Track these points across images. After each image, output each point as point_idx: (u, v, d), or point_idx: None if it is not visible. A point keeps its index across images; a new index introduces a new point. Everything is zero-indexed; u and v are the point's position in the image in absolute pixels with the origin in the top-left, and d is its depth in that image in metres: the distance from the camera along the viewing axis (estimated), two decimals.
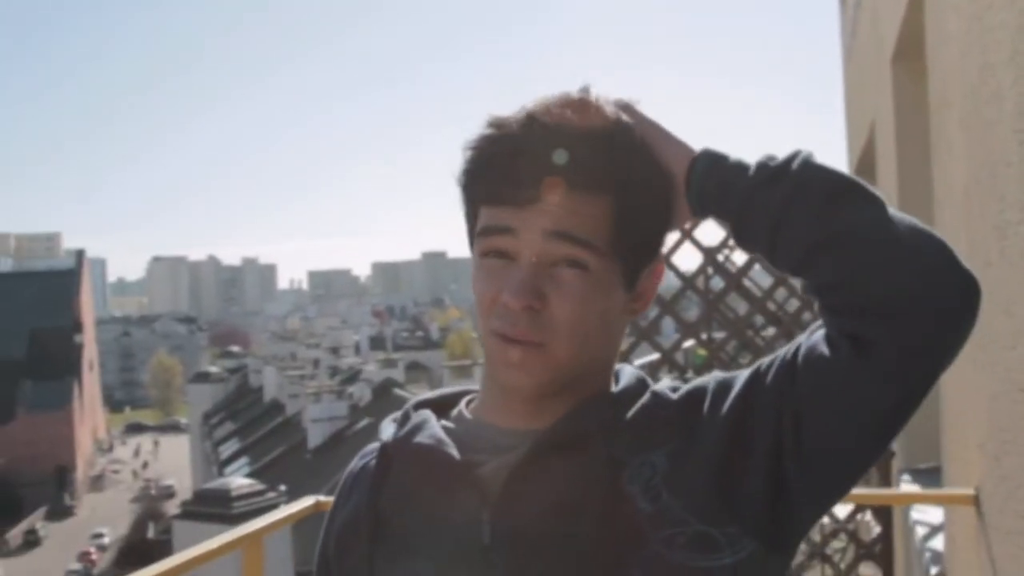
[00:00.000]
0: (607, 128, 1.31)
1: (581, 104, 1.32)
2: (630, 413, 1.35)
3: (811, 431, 1.23)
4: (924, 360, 1.21)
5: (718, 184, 1.30)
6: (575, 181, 1.27)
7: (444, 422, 1.43)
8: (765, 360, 1.32)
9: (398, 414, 1.48)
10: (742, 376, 1.33)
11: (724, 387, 1.33)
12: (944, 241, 1.20)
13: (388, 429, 1.47)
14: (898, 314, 1.18)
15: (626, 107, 1.37)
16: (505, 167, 1.30)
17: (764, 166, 1.28)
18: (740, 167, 1.30)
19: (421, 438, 1.39)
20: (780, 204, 1.24)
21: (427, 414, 1.45)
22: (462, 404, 1.48)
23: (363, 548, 1.42)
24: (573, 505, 1.27)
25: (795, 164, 1.26)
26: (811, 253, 1.23)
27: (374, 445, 1.49)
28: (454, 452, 1.35)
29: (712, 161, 1.32)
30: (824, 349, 1.23)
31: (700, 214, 1.34)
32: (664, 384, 1.40)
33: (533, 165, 1.28)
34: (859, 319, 1.20)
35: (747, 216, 1.28)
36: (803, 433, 1.24)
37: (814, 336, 1.26)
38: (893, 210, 1.23)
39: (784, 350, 1.30)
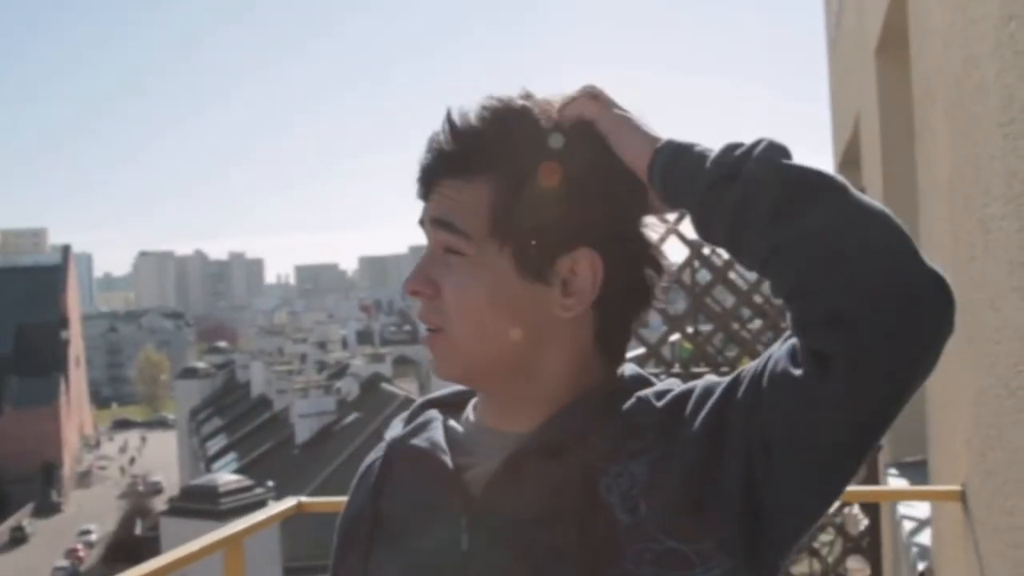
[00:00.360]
0: (496, 116, 1.32)
1: (488, 99, 1.34)
2: (612, 419, 1.30)
3: (777, 447, 1.18)
4: (888, 378, 1.13)
5: (676, 180, 1.26)
6: (452, 169, 1.32)
7: (452, 423, 1.42)
8: (747, 367, 1.26)
9: (407, 412, 1.49)
10: (721, 385, 1.27)
11: (705, 396, 1.28)
12: (913, 245, 1.13)
13: (396, 427, 1.47)
14: (856, 327, 1.11)
15: (591, 97, 1.35)
16: (419, 165, 1.37)
17: (720, 162, 1.22)
18: (698, 162, 1.24)
19: (418, 440, 1.39)
20: (734, 205, 1.19)
21: (433, 415, 1.45)
22: (470, 404, 1.46)
23: (361, 546, 1.42)
24: (549, 514, 1.25)
25: (751, 159, 1.19)
26: (768, 257, 1.18)
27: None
28: (446, 457, 1.34)
29: (673, 154, 1.27)
30: (788, 363, 1.18)
31: (669, 208, 1.32)
32: (655, 388, 1.35)
33: (426, 159, 1.35)
34: (817, 332, 1.14)
35: (704, 215, 1.24)
36: (771, 449, 1.18)
37: (783, 347, 1.21)
38: (861, 203, 1.15)
39: (760, 359, 1.25)
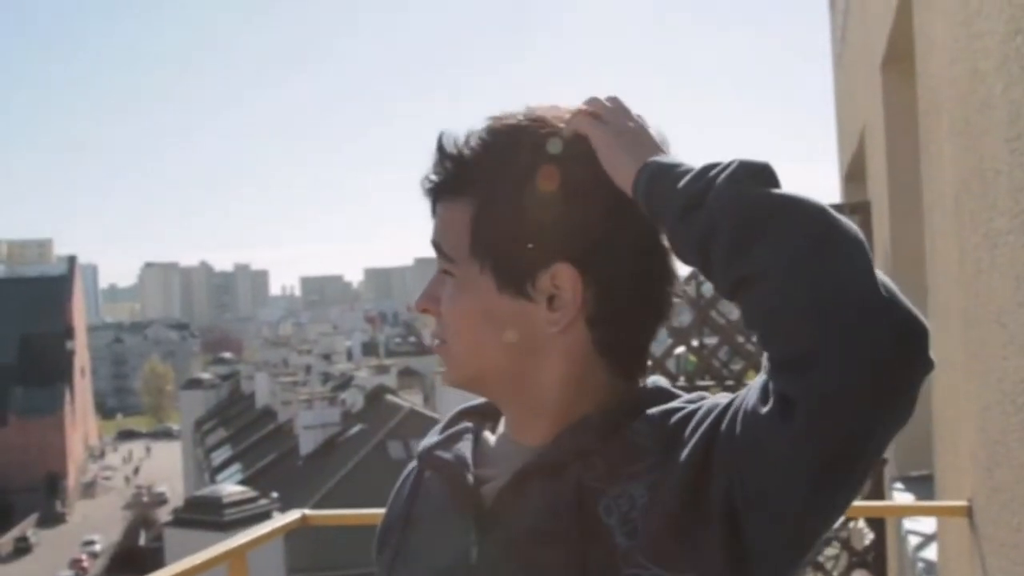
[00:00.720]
0: (481, 138, 1.35)
1: (485, 120, 1.37)
2: (615, 438, 1.28)
3: (750, 486, 1.14)
4: (851, 428, 1.07)
5: (654, 204, 1.24)
6: (442, 193, 1.37)
7: (486, 433, 1.46)
8: (737, 396, 1.21)
9: (443, 421, 1.53)
10: (717, 410, 1.22)
11: (702, 420, 1.23)
12: (880, 284, 1.07)
13: (431, 437, 1.50)
14: (815, 374, 1.06)
15: (587, 113, 1.34)
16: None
17: (689, 189, 1.19)
18: (672, 186, 1.21)
19: (445, 452, 1.43)
20: (699, 236, 1.17)
21: (467, 425, 1.48)
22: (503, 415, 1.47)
23: (390, 552, 1.47)
24: (549, 533, 1.25)
25: (714, 188, 1.16)
26: (732, 291, 1.15)
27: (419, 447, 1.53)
28: (466, 471, 1.38)
29: (651, 176, 1.24)
30: (757, 398, 1.14)
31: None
32: (667, 405, 1.31)
33: (423, 183, 1.40)
34: (778, 374, 1.10)
35: (676, 244, 1.23)
36: (745, 486, 1.14)
37: (759, 379, 1.16)
38: (830, 234, 1.10)
39: (744, 390, 1.19)
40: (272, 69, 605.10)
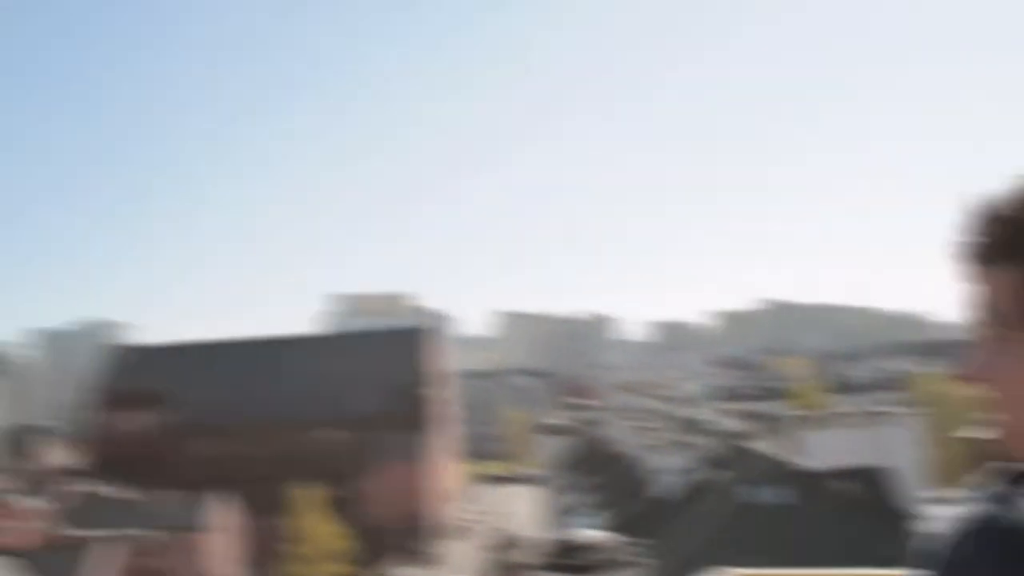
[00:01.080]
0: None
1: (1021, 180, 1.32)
2: None
3: None
4: None
5: None
6: (990, 255, 1.30)
7: None
8: None
9: (991, 489, 1.35)
10: None
11: None
12: None
13: (979, 501, 1.33)
14: None
15: None
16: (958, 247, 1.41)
17: None
18: None
19: (1011, 519, 1.29)
20: None
21: None
22: None
23: None
24: None
25: None
26: None
27: (969, 514, 1.33)
28: None
29: None
30: None
31: None
32: None
33: (962, 245, 1.36)
34: None
35: None
36: None
37: None
38: None
39: None
40: (611, 109, 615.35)
